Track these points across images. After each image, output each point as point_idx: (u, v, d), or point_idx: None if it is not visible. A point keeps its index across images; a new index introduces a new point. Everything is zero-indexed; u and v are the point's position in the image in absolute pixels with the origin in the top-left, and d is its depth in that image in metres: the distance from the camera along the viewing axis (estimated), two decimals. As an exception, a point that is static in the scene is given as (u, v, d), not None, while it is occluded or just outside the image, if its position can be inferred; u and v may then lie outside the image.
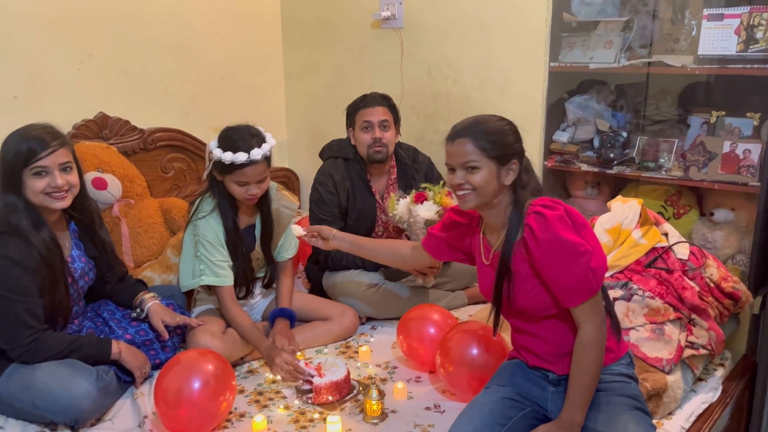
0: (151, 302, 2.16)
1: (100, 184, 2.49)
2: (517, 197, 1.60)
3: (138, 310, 2.17)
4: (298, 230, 2.08)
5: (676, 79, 2.57)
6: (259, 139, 2.21)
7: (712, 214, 2.48)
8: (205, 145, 3.10)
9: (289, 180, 3.61)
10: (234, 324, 2.27)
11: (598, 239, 1.58)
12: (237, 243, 2.31)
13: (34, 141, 1.84)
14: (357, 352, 2.35)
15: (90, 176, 2.49)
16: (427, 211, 2.39)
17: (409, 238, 2.57)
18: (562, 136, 2.76)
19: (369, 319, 2.62)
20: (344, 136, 2.79)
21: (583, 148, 2.74)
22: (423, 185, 2.56)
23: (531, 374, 1.69)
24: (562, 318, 1.58)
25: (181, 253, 2.38)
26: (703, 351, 2.02)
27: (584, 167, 2.66)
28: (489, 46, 2.85)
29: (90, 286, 2.12)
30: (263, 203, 2.37)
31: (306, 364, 2.10)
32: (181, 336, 2.27)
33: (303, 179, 3.63)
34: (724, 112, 2.47)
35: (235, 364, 2.22)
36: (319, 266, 2.73)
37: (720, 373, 2.15)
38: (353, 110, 2.66)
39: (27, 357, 1.85)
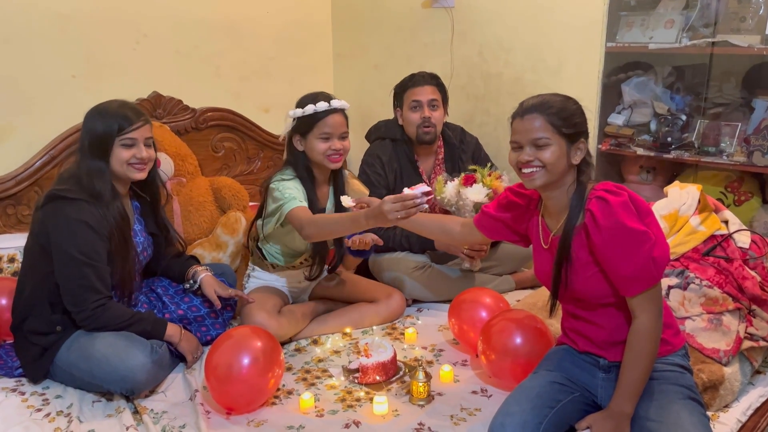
0: (203, 274, 2.20)
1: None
2: (579, 180, 1.57)
3: (191, 281, 2.21)
4: (347, 201, 2.05)
5: (740, 60, 2.46)
6: (332, 96, 2.24)
7: (775, 202, 2.38)
8: (255, 125, 3.14)
9: (336, 161, 3.61)
10: (318, 225, 2.05)
11: (661, 228, 1.53)
12: (314, 208, 2.26)
13: (125, 115, 1.95)
14: (403, 334, 2.35)
15: (144, 154, 2.53)
16: (476, 194, 2.36)
17: None
18: (617, 119, 2.68)
19: (415, 301, 2.62)
20: (392, 117, 2.78)
21: (639, 132, 2.66)
22: (471, 167, 2.53)
23: (580, 360, 1.66)
24: (619, 306, 1.54)
25: (263, 215, 2.31)
26: (763, 343, 1.95)
27: (640, 151, 2.58)
28: (543, 26, 2.77)
29: (147, 262, 2.17)
30: (338, 184, 2.37)
31: (411, 187, 1.84)
32: (232, 312, 2.30)
33: (351, 161, 3.62)
34: (791, 96, 2.36)
35: (283, 343, 2.24)
36: None
37: (780, 366, 2.07)
38: (401, 89, 2.63)
39: (90, 321, 1.92)
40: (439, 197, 2.52)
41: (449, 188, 2.46)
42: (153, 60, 2.86)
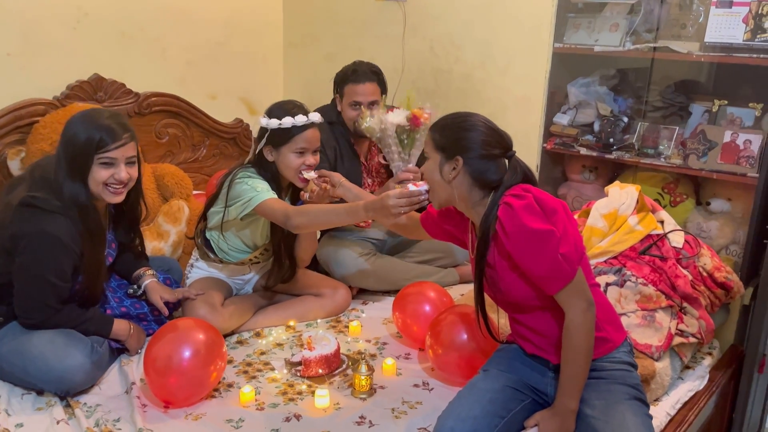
0: (149, 280, 2.14)
1: (93, 147, 2.44)
2: (488, 195, 1.59)
3: (135, 286, 2.15)
4: (309, 174, 2.06)
5: (679, 65, 2.54)
6: (306, 109, 2.20)
7: (708, 204, 2.48)
8: (201, 111, 3.08)
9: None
10: (310, 214, 2.03)
11: (572, 224, 1.54)
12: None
13: (107, 130, 1.83)
14: (347, 327, 2.34)
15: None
16: (396, 116, 2.41)
17: (385, 160, 2.58)
18: (562, 119, 2.73)
19: (360, 291, 2.62)
20: None
21: (583, 132, 2.71)
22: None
23: (530, 361, 1.68)
24: (551, 308, 1.56)
25: (214, 203, 2.25)
26: (692, 339, 2.03)
27: (583, 151, 2.64)
28: (493, 23, 2.80)
29: None
30: (296, 198, 2.29)
31: (414, 184, 1.83)
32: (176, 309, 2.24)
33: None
34: (726, 102, 2.45)
35: (224, 335, 2.20)
36: None
37: (708, 361, 2.16)
38: (342, 81, 2.60)
39: (33, 327, 1.85)
40: (363, 127, 2.51)
41: (374, 118, 2.47)
42: (95, 40, 2.76)
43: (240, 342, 2.23)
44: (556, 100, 2.74)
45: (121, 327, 2.00)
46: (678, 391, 1.97)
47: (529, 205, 1.48)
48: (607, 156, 2.59)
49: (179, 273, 2.38)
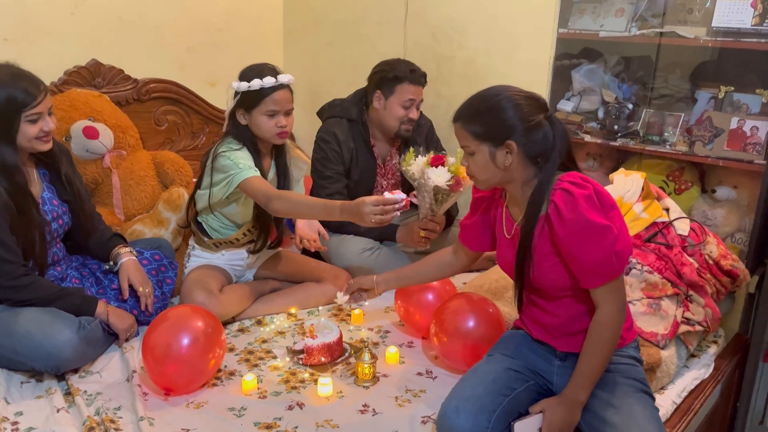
0: (125, 257, 2.11)
1: (92, 133, 2.42)
2: (541, 172, 1.52)
3: (111, 263, 2.12)
4: (341, 298, 2.00)
5: (685, 51, 2.51)
6: (279, 70, 2.17)
7: (714, 191, 2.45)
8: (200, 98, 3.04)
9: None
10: (291, 202, 2.05)
11: (624, 222, 1.52)
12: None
13: (24, 88, 1.82)
14: (350, 315, 2.32)
15: (81, 124, 2.42)
16: (438, 176, 2.33)
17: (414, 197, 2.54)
18: (566, 105, 2.71)
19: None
20: (343, 95, 2.72)
21: (587, 119, 2.69)
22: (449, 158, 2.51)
23: (537, 347, 1.66)
24: (578, 298, 1.54)
25: (201, 185, 2.26)
26: (698, 327, 2.01)
27: (588, 138, 2.62)
28: (496, 9, 2.76)
29: (66, 231, 2.08)
30: (280, 155, 2.32)
31: (392, 192, 1.87)
32: (147, 317, 2.14)
33: (300, 139, 3.56)
34: (732, 88, 2.42)
35: (226, 323, 2.19)
36: None
37: (713, 350, 2.14)
38: (395, 80, 2.54)
39: (13, 293, 1.83)
40: (404, 168, 2.49)
41: (416, 163, 2.43)
42: (92, 26, 2.72)
43: (241, 330, 2.21)
44: (560, 87, 2.71)
45: (103, 307, 1.98)
46: (684, 379, 1.96)
47: (589, 196, 1.44)
48: (612, 143, 2.57)
49: (170, 250, 2.36)
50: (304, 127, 3.44)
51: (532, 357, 1.66)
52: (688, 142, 2.42)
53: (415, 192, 2.54)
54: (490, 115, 1.50)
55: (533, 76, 2.70)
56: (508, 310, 2.11)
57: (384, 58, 3.11)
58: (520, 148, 1.50)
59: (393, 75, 2.55)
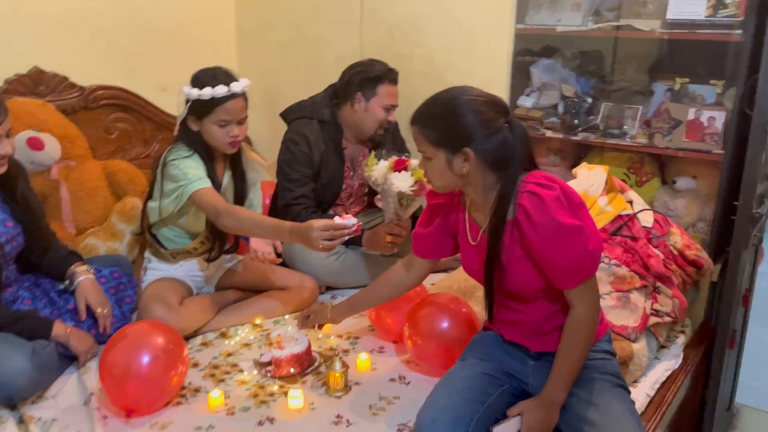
0: (82, 276, 2.00)
1: (36, 144, 2.30)
2: (501, 177, 1.46)
3: (66, 282, 2.01)
4: (295, 333, 1.96)
5: (641, 44, 2.52)
6: (233, 77, 2.09)
7: (674, 182, 2.48)
8: (152, 104, 2.93)
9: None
10: (240, 220, 1.97)
11: (592, 218, 1.50)
12: (215, 185, 2.14)
13: None
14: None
15: (24, 135, 2.29)
16: (401, 181, 2.28)
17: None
18: (526, 101, 2.70)
19: (328, 288, 2.54)
20: (300, 97, 2.66)
21: (548, 114, 2.68)
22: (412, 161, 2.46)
23: (509, 348, 1.63)
24: (551, 298, 1.52)
25: (152, 194, 2.18)
26: (667, 319, 2.02)
27: (549, 134, 2.61)
28: (453, 5, 2.73)
29: (19, 253, 1.96)
30: (236, 160, 2.24)
31: (342, 216, 1.85)
32: (102, 337, 2.01)
33: (256, 143, 3.48)
34: (687, 79, 2.45)
35: (188, 337, 2.10)
36: None
37: (681, 340, 2.16)
38: (376, 80, 2.48)
39: None
40: (366, 174, 2.44)
41: (378, 168, 2.38)
42: (33, 31, 2.58)
43: (205, 344, 2.13)
44: (519, 83, 2.71)
45: (60, 329, 1.87)
46: (655, 371, 1.96)
47: (558, 197, 1.40)
48: (573, 138, 2.57)
49: (129, 267, 2.25)
50: (260, 130, 3.35)
51: (506, 359, 1.63)
52: (647, 135, 2.44)
53: (379, 197, 2.49)
54: (447, 121, 1.45)
55: (492, 73, 2.68)
56: (479, 309, 2.08)
57: (340, 58, 3.07)
58: (479, 156, 1.44)
59: (375, 75, 2.50)
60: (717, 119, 2.30)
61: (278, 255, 2.33)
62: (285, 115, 2.69)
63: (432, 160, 1.48)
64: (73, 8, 2.70)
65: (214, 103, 2.04)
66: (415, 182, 2.35)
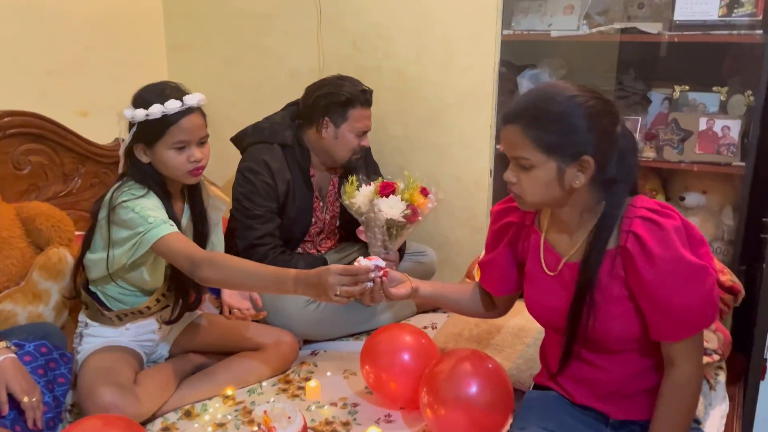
0: (1, 356, 1.51)
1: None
2: (606, 195, 1.20)
3: None
4: (364, 263, 1.46)
5: (637, 49, 2.32)
6: (185, 90, 1.72)
7: (682, 199, 2.27)
8: (70, 132, 2.45)
9: (178, 174, 2.99)
10: (226, 269, 1.56)
11: (714, 260, 1.25)
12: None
13: None
14: (303, 389, 1.86)
15: None
16: (391, 208, 1.95)
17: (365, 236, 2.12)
18: (514, 116, 2.42)
19: (306, 342, 2.14)
20: (246, 118, 2.27)
21: (538, 129, 2.43)
22: (398, 182, 2.12)
23: (581, 414, 1.31)
24: (644, 352, 1.23)
25: (92, 245, 1.76)
26: (715, 357, 1.77)
27: (543, 150, 2.35)
28: (426, 10, 2.42)
29: None
30: (194, 194, 1.84)
31: (368, 258, 1.46)
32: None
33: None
34: (687, 87, 2.26)
35: (145, 422, 1.66)
36: None
37: (722, 377, 1.92)
38: (346, 104, 2.12)
39: None
40: (347, 202, 2.07)
41: (361, 194, 2.02)
42: None
43: (166, 428, 1.69)
44: (506, 95, 2.43)
45: None
46: (712, 420, 1.70)
47: (678, 228, 1.15)
48: (571, 154, 2.31)
49: (61, 339, 1.78)
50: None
51: (578, 428, 1.31)
52: (655, 148, 2.21)
53: (362, 228, 2.14)
54: (563, 123, 1.16)
55: (474, 85, 2.40)
56: (502, 359, 1.77)
57: (295, 73, 2.71)
58: (596, 167, 1.17)
59: (345, 98, 2.14)
60: (732, 128, 2.10)
61: (258, 310, 1.90)
62: (238, 140, 2.29)
63: (535, 169, 1.18)
64: (-33, 17, 2.20)
65: (167, 122, 1.65)
66: (407, 206, 2.02)
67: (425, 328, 2.19)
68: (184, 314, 1.85)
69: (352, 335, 2.18)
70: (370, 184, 2.11)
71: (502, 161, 2.44)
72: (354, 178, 2.11)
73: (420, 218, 2.07)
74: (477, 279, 2.22)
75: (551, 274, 1.29)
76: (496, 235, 1.41)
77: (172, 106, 1.64)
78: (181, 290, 1.81)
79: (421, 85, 2.50)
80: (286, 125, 2.20)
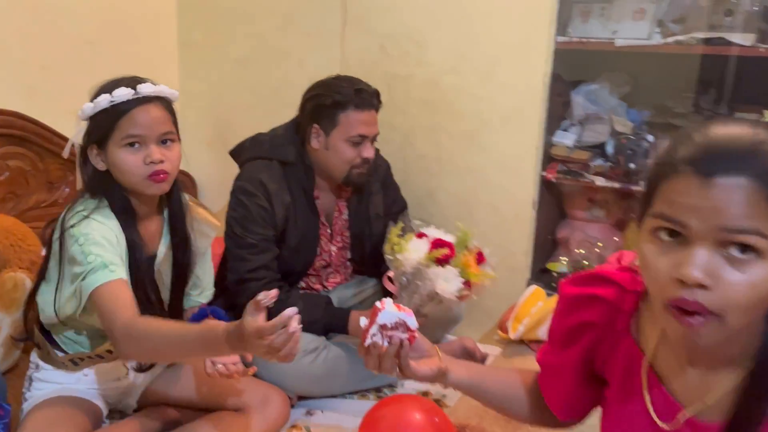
0: None
1: None
2: None
3: None
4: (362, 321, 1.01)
5: (716, 64, 1.93)
6: (145, 80, 1.42)
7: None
8: (58, 135, 2.21)
9: (183, 186, 2.67)
10: (148, 341, 1.24)
11: None
12: (141, 257, 1.42)
13: None
14: (291, 463, 1.52)
15: None
16: (446, 282, 1.57)
17: (391, 281, 1.75)
18: (565, 138, 2.07)
19: (300, 397, 1.80)
20: (259, 129, 1.95)
21: (593, 155, 2.06)
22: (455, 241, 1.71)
23: None
24: None
25: (45, 275, 1.46)
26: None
27: (599, 181, 1.97)
28: (469, 12, 2.08)
29: None
30: (175, 216, 1.52)
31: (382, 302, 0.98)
32: None
33: (202, 186, 2.74)
34: (779, 113, 1.86)
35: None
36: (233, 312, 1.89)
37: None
38: (338, 106, 1.79)
39: None
40: (390, 257, 1.69)
41: (411, 255, 1.64)
42: None
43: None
44: (554, 114, 2.07)
45: None
46: None
47: None
48: (633, 187, 1.93)
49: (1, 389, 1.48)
50: (208, 172, 2.63)
51: None
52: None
53: (391, 275, 1.78)
54: None
55: (520, 100, 2.04)
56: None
57: (315, 79, 2.38)
58: None
59: (332, 100, 1.80)
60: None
61: (247, 364, 1.55)
62: (236, 154, 1.97)
63: (754, 264, 0.68)
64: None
65: (116, 113, 1.34)
66: (463, 283, 1.64)
67: (444, 396, 1.82)
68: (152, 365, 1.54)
69: (357, 392, 1.83)
70: (421, 237, 1.71)
71: (548, 191, 2.08)
72: (399, 226, 1.74)
73: (472, 296, 1.69)
74: (512, 332, 1.87)
75: (663, 426, 0.83)
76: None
77: (121, 93, 1.34)
78: None
79: (457, 98, 2.15)
80: (289, 139, 1.87)
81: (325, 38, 2.35)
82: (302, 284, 1.95)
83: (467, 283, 1.60)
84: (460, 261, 1.60)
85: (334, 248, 1.93)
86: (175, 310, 1.56)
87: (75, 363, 1.50)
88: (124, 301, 1.27)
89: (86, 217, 1.34)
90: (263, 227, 1.77)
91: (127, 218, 1.41)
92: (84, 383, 1.52)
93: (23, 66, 2.20)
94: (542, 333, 1.70)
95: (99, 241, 1.31)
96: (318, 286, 1.97)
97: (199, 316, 1.56)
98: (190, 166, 2.78)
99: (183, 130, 2.72)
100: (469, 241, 1.69)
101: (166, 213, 1.53)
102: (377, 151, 2.06)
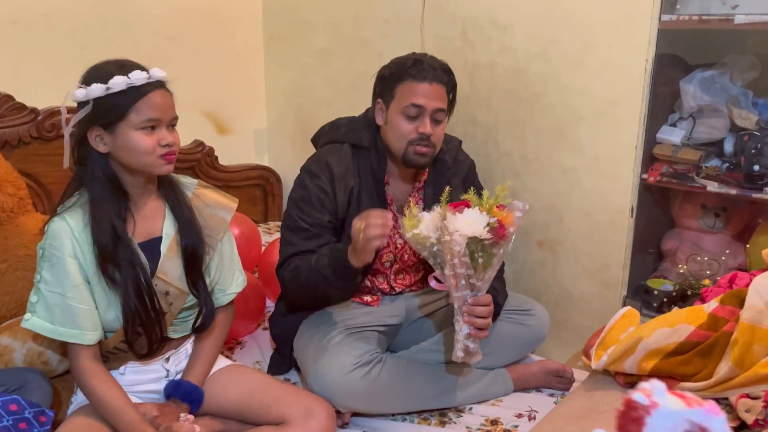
0: None
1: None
2: None
3: None
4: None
5: None
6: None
7: None
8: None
9: (267, 182, 2.66)
10: (93, 400, 1.35)
11: None
12: (120, 256, 1.36)
13: None
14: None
15: None
16: (470, 223, 1.41)
17: (437, 280, 1.58)
18: (672, 135, 1.76)
19: (353, 414, 1.66)
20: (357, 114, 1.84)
21: (708, 156, 1.74)
22: (464, 196, 1.54)
23: None
24: None
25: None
26: None
27: (711, 187, 1.66)
28: (558, -8, 1.83)
29: None
30: (176, 202, 1.47)
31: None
32: None
33: (287, 181, 2.68)
34: None
35: None
36: (289, 307, 1.79)
37: None
38: (396, 77, 1.65)
39: None
40: (408, 235, 1.54)
41: (426, 220, 1.49)
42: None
43: None
44: (659, 106, 1.77)
45: None
46: None
47: None
48: (756, 194, 1.60)
49: (42, 389, 1.45)
50: (291, 166, 2.54)
51: None
52: None
53: (436, 273, 1.59)
54: None
55: (619, 91, 1.76)
56: None
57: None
58: None
59: (390, 72, 1.67)
60: None
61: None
62: (316, 140, 1.88)
63: None
64: (27, 6, 2.01)
65: (135, 95, 1.32)
66: (493, 220, 1.45)
67: (520, 416, 1.63)
68: (159, 347, 1.46)
69: (418, 413, 1.67)
70: (433, 209, 1.55)
71: (649, 196, 1.79)
72: (414, 206, 1.57)
73: (508, 236, 1.47)
74: (595, 361, 1.62)
75: None
76: None
77: (139, 76, 1.32)
78: (149, 327, 1.41)
79: (546, 89, 1.90)
80: (366, 124, 1.75)
81: (405, 26, 2.18)
82: (367, 283, 1.81)
83: (498, 221, 1.40)
84: (486, 203, 1.43)
85: (400, 240, 1.76)
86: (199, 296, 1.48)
87: (106, 358, 1.46)
88: (89, 360, 1.35)
89: (59, 213, 1.35)
90: (320, 211, 1.65)
91: (117, 204, 1.37)
92: (122, 382, 1.47)
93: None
94: (629, 365, 1.44)
95: (60, 245, 1.31)
96: (384, 286, 1.82)
97: (174, 389, 1.47)
98: (276, 161, 2.76)
99: (266, 124, 2.66)
100: (486, 201, 1.48)
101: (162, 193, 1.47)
102: (460, 143, 1.88)
